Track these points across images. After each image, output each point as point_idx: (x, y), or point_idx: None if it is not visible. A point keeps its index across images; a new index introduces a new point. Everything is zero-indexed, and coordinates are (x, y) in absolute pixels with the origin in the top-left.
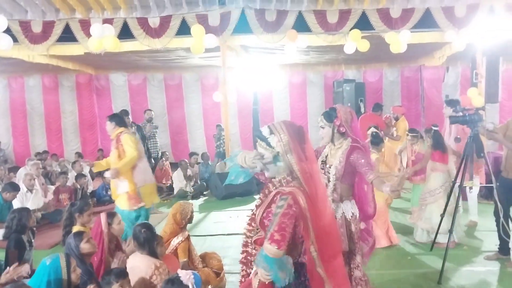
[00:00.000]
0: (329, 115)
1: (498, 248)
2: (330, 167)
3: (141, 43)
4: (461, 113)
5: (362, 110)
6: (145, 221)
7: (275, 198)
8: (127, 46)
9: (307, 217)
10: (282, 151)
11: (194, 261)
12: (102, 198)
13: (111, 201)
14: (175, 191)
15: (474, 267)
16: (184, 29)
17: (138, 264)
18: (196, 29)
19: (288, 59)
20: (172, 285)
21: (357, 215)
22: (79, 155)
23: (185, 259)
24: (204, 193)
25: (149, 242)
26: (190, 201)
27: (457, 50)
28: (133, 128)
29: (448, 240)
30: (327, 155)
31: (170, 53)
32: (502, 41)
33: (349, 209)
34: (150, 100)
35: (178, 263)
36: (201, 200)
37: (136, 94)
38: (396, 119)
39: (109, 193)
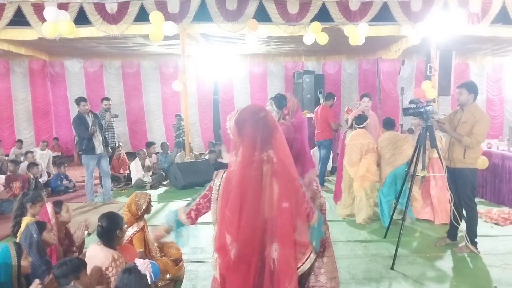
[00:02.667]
0: (280, 102)
1: (447, 233)
2: None
3: (97, 29)
4: (414, 105)
5: (321, 101)
6: (109, 212)
7: None
8: (83, 32)
9: None
10: None
11: (151, 251)
12: (57, 188)
13: (66, 191)
14: (133, 181)
15: (425, 253)
16: (142, 16)
17: (96, 254)
18: (155, 16)
19: (249, 49)
20: (130, 274)
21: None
22: (20, 142)
23: (142, 249)
24: (164, 183)
25: (105, 233)
26: (149, 191)
27: (412, 44)
28: (90, 116)
29: (401, 228)
30: None
31: (128, 40)
32: (455, 35)
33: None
34: (107, 88)
35: (135, 253)
36: (160, 190)
37: (93, 81)
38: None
39: (64, 183)
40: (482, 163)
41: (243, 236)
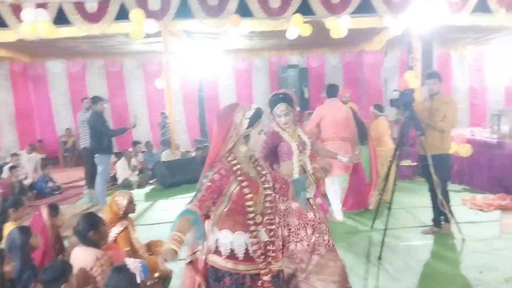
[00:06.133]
0: (291, 101)
1: (432, 221)
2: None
3: (78, 28)
4: (397, 96)
5: (306, 95)
6: (88, 212)
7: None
8: (64, 32)
9: None
10: None
11: (137, 250)
12: (42, 191)
13: (52, 193)
14: (120, 181)
15: (412, 241)
16: (123, 14)
17: (79, 255)
18: (136, 13)
19: (232, 45)
20: (119, 273)
21: None
22: None
23: (127, 248)
24: (150, 182)
25: (80, 235)
26: (137, 190)
27: (394, 35)
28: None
29: (388, 216)
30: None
31: (110, 38)
32: (436, 25)
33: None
34: (90, 87)
35: (122, 252)
36: (147, 189)
37: (75, 81)
38: (345, 103)
39: (49, 185)
40: (466, 150)
41: None
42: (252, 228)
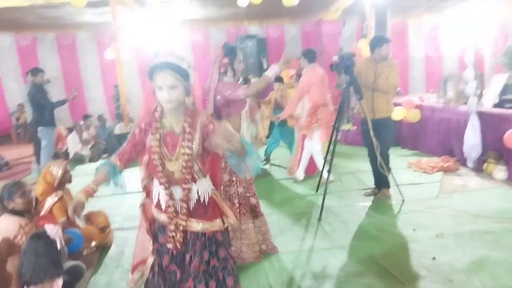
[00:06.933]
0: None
1: (374, 184)
2: None
3: None
4: (337, 60)
5: (265, 66)
6: (11, 180)
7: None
8: (4, 2)
9: None
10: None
11: (74, 220)
12: None
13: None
14: (71, 155)
15: (353, 203)
16: None
17: (3, 225)
18: None
19: (187, 15)
20: (38, 240)
21: None
22: None
23: (63, 219)
24: (103, 156)
25: (3, 201)
26: (88, 164)
27: (350, 3)
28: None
29: (327, 179)
30: None
31: (58, 9)
32: None
33: None
34: (42, 61)
35: (56, 223)
36: (99, 162)
37: (26, 55)
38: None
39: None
40: (414, 115)
41: None
42: (162, 180)
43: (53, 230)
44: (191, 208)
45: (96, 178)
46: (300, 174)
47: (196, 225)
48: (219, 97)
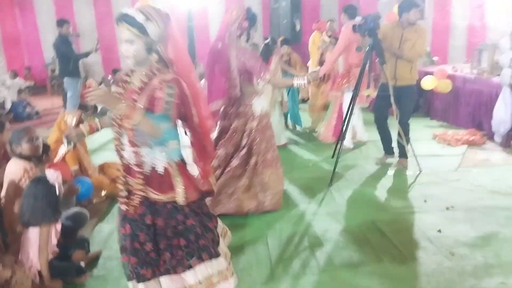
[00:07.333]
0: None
1: (384, 150)
2: None
3: None
4: (361, 21)
5: (297, 27)
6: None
7: (160, 85)
8: None
9: (190, 102)
10: (158, 39)
11: (87, 169)
12: (20, 115)
13: (30, 118)
14: (99, 109)
15: (368, 171)
16: None
17: (10, 168)
18: None
19: None
20: (38, 183)
21: None
22: None
23: (76, 167)
24: None
25: (12, 145)
26: None
27: None
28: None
29: (341, 145)
30: None
31: None
32: None
33: None
34: (77, 14)
35: (69, 171)
36: None
37: (63, 8)
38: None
39: (27, 110)
40: (446, 86)
41: None
42: (116, 142)
43: (53, 176)
44: (147, 175)
45: (103, 120)
46: (348, 142)
47: (152, 194)
48: (241, 62)
